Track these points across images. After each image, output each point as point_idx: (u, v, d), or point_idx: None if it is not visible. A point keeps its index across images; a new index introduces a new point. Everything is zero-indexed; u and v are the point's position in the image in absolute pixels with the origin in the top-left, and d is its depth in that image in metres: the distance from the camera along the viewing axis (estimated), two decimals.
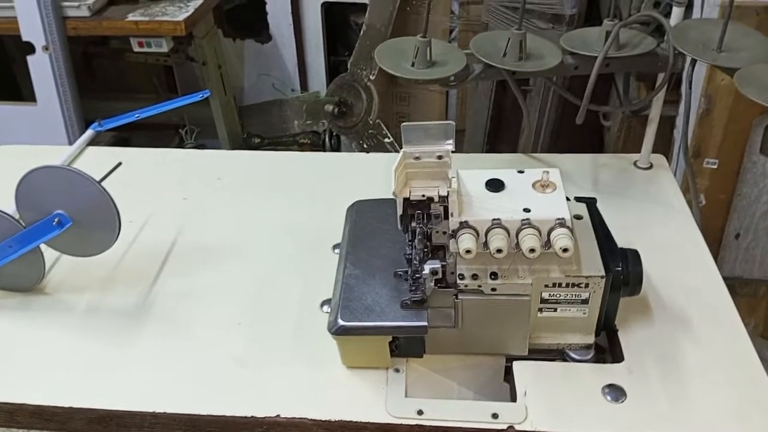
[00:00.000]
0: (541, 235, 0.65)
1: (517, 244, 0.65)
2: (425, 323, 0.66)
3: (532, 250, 0.63)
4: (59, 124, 1.76)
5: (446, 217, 0.66)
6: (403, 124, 0.61)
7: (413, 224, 0.67)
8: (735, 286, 1.56)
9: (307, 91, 2.16)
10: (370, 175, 0.96)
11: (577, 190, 0.96)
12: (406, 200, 0.65)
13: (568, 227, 0.64)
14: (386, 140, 2.04)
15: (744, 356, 0.71)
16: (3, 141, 1.82)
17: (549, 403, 0.67)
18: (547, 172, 0.69)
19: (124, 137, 2.12)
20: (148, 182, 1.03)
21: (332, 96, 2.00)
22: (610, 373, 0.70)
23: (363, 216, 0.79)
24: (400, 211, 0.66)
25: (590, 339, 0.72)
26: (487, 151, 2.00)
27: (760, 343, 1.56)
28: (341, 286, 0.70)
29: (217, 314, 0.78)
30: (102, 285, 0.83)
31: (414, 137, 0.61)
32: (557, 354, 0.73)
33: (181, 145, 2.14)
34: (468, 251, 0.64)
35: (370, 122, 2.02)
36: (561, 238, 0.63)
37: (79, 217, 0.76)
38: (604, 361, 0.74)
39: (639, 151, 1.01)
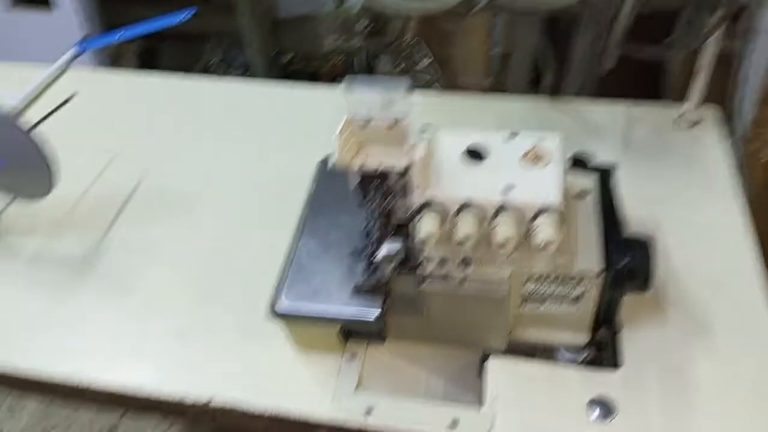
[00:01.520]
0: (524, 221, 0.53)
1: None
2: (377, 314, 0.56)
3: (505, 242, 0.51)
4: (76, 32, 1.67)
5: (408, 192, 0.54)
6: (345, 78, 0.48)
7: (369, 198, 0.55)
8: None
9: (341, 5, 1.99)
10: None
11: (604, 148, 0.81)
12: (359, 171, 0.54)
13: (556, 214, 0.52)
14: (425, 60, 1.88)
15: None
16: (14, 51, 1.76)
17: (521, 415, 0.57)
18: (543, 139, 0.55)
19: (150, 48, 2.04)
20: (129, 110, 0.94)
21: (367, 12, 1.83)
22: (601, 382, 0.59)
23: (332, 175, 0.68)
24: (355, 182, 0.55)
25: (582, 339, 0.61)
26: (533, 80, 1.81)
27: None
28: (291, 260, 0.61)
29: (166, 276, 0.71)
30: (53, 230, 0.76)
31: (360, 96, 0.49)
32: (547, 352, 0.62)
33: (211, 60, 2.04)
34: (427, 238, 0.52)
35: (407, 41, 1.86)
36: (543, 229, 0.51)
37: (13, 161, 0.68)
38: (601, 362, 0.63)
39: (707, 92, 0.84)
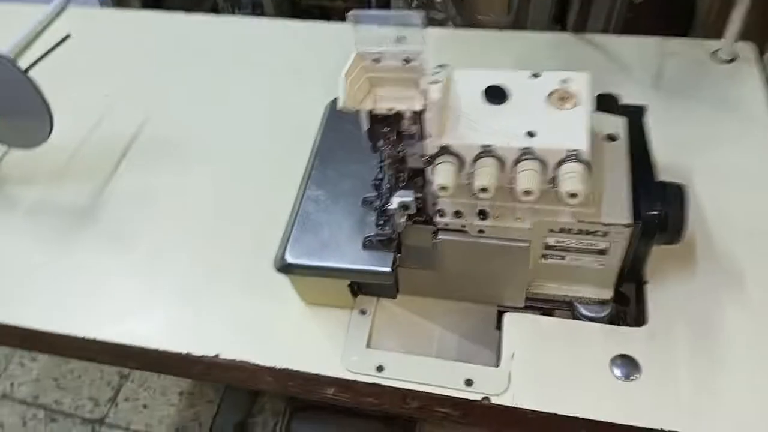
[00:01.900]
0: (547, 169, 0.49)
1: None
2: (389, 269, 0.53)
3: (527, 192, 0.47)
4: None
5: (422, 138, 0.50)
6: (351, 12, 0.44)
7: (381, 143, 0.51)
8: None
9: None
10: None
11: (633, 86, 0.76)
12: (371, 113, 0.49)
13: (583, 162, 0.48)
14: None
15: None
16: None
17: (539, 373, 0.54)
18: (566, 81, 0.50)
19: None
20: (132, 52, 0.89)
21: None
22: (625, 339, 0.56)
23: (341, 118, 0.64)
24: (365, 126, 0.51)
25: (607, 294, 0.57)
26: (556, 17, 1.72)
27: None
28: (297, 212, 0.57)
29: (170, 227, 0.68)
30: (52, 179, 0.73)
31: (369, 31, 0.44)
32: (565, 305, 0.59)
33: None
34: (444, 188, 0.48)
35: None
36: (569, 179, 0.47)
37: (7, 106, 0.64)
38: (625, 320, 0.59)
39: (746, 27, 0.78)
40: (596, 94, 0.65)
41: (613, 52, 0.81)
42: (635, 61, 0.79)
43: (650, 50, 0.81)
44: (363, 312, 0.59)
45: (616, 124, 0.57)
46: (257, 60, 0.86)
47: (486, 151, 0.49)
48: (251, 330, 0.59)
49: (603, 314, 0.58)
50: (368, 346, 0.57)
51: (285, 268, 0.54)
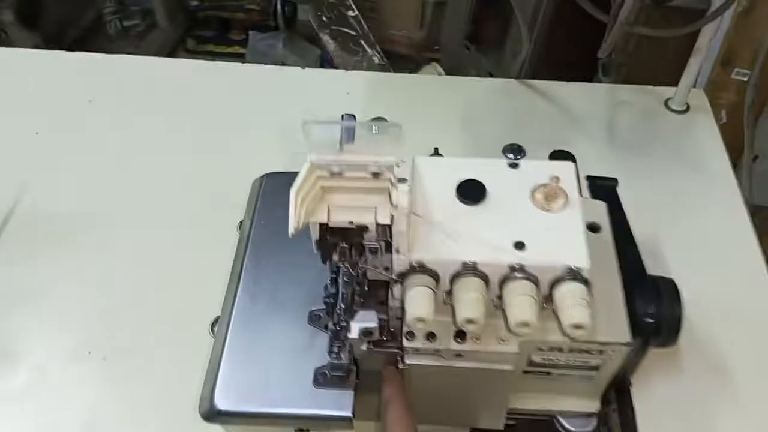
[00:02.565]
0: (539, 287, 0.40)
1: (500, 296, 0.41)
2: (349, 413, 0.42)
3: (524, 325, 0.38)
4: None
5: (388, 251, 0.40)
6: (304, 119, 0.33)
7: (336, 258, 0.41)
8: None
9: None
10: (324, 98, 0.68)
11: (586, 139, 0.70)
12: (323, 225, 0.39)
13: (584, 282, 0.39)
14: (350, 13, 1.69)
15: None
16: None
17: None
18: (557, 179, 0.42)
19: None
20: None
21: None
22: None
23: (274, 201, 0.53)
24: (315, 236, 0.40)
25: (593, 406, 0.50)
26: (470, 35, 1.66)
27: None
28: (225, 336, 0.46)
29: (57, 338, 0.54)
30: None
31: (327, 136, 0.33)
32: (545, 422, 0.51)
33: (104, 7, 1.76)
34: (421, 320, 0.39)
35: None
36: (573, 308, 0.38)
37: None
38: (607, 426, 0.52)
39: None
40: (550, 152, 0.59)
41: (560, 101, 0.75)
42: (585, 111, 0.73)
43: (599, 98, 0.75)
44: None
45: (597, 210, 0.50)
46: (157, 107, 0.73)
47: (468, 269, 0.40)
48: None
49: (589, 428, 0.50)
50: None
51: (215, 416, 0.43)
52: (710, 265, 0.60)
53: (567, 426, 0.50)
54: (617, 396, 0.52)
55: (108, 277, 0.58)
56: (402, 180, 0.39)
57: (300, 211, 0.35)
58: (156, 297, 0.57)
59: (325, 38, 1.69)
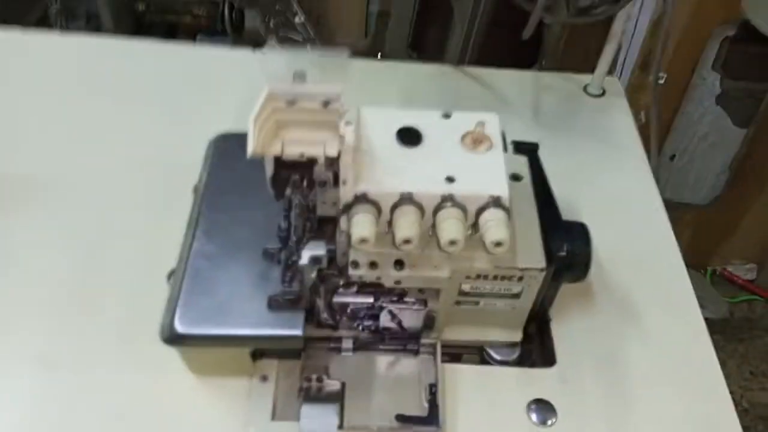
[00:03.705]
0: (467, 215, 0.46)
1: (434, 225, 0.46)
2: (299, 332, 0.47)
3: (452, 243, 0.44)
4: None
5: (336, 184, 0.46)
6: (263, 49, 0.38)
7: (288, 192, 0.46)
8: None
9: None
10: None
11: (515, 118, 0.77)
12: (277, 158, 0.44)
13: (504, 208, 0.46)
14: (297, 19, 1.75)
15: (701, 359, 0.58)
16: None
17: (459, 428, 0.51)
18: (482, 124, 0.49)
19: None
20: None
21: None
22: (538, 382, 0.55)
23: (228, 157, 0.58)
24: (269, 172, 0.45)
25: (517, 336, 0.56)
26: (412, 43, 1.75)
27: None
28: (184, 270, 0.50)
29: (20, 289, 0.57)
30: None
31: (282, 69, 0.39)
32: (473, 350, 0.57)
33: (47, 11, 1.76)
34: (364, 240, 0.44)
35: None
36: (494, 228, 0.45)
37: None
38: (530, 358, 0.59)
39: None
40: None
41: (492, 85, 0.82)
42: (514, 95, 0.81)
43: (526, 84, 0.83)
44: (264, 378, 0.52)
45: (519, 164, 0.57)
46: (105, 84, 0.76)
47: (405, 199, 0.45)
48: (132, 416, 0.50)
49: (513, 356, 0.57)
50: (273, 418, 0.50)
51: (175, 339, 0.47)
52: (620, 221, 0.67)
53: (494, 355, 0.56)
54: (538, 329, 0.59)
55: (68, 237, 0.61)
56: (348, 123, 0.45)
57: (258, 137, 0.40)
58: (115, 254, 0.60)
59: (272, 43, 1.74)
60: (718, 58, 1.26)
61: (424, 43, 1.80)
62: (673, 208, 1.57)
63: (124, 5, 1.79)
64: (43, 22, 1.78)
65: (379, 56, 1.86)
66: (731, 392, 0.56)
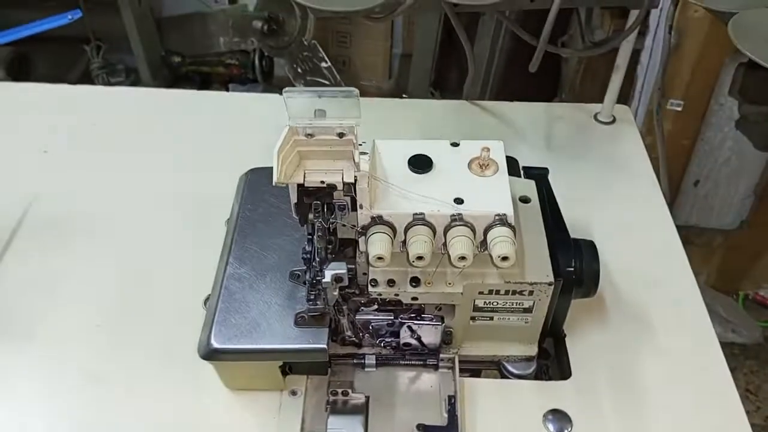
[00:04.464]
0: (475, 234, 0.50)
1: (445, 243, 0.50)
2: (324, 346, 0.51)
3: (462, 258, 0.48)
4: None
5: (354, 209, 0.50)
6: (285, 90, 0.43)
7: (311, 216, 0.50)
8: (689, 235, 1.47)
9: (235, 3, 1.90)
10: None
11: (527, 148, 0.81)
12: (300, 186, 0.49)
13: (509, 226, 0.49)
14: (323, 64, 1.83)
15: (713, 372, 0.59)
16: None
17: None
18: (488, 150, 0.53)
19: (22, 52, 1.85)
20: (4, 125, 0.83)
21: (261, 10, 1.76)
22: (554, 394, 0.57)
23: (258, 190, 0.63)
24: (294, 200, 0.50)
25: (532, 350, 0.59)
26: (434, 82, 1.81)
27: (711, 295, 1.49)
28: (219, 292, 0.54)
29: (70, 312, 0.62)
30: None
31: (302, 107, 0.44)
32: (492, 365, 0.60)
33: (88, 67, 1.88)
34: (380, 258, 0.48)
35: (305, 43, 1.80)
36: (500, 243, 0.48)
37: None
38: (547, 373, 0.61)
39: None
40: None
41: (506, 117, 0.86)
42: (527, 126, 0.85)
43: (539, 115, 0.87)
44: (294, 393, 0.56)
45: (528, 187, 0.60)
46: (150, 131, 0.83)
47: (418, 220, 0.49)
48: (171, 424, 0.54)
49: (530, 371, 0.59)
50: (302, 429, 0.54)
51: (211, 354, 0.51)
52: (632, 241, 0.70)
53: (511, 369, 0.59)
54: (554, 344, 0.62)
55: (115, 266, 0.66)
56: (363, 153, 0.49)
57: (281, 167, 0.45)
58: (155, 282, 0.65)
59: (301, 88, 1.82)
60: (734, 83, 1.29)
61: (446, 82, 1.86)
62: (700, 233, 1.57)
63: (161, 59, 1.90)
64: (85, 78, 1.90)
65: (403, 96, 1.93)
66: (766, 416, 0.57)
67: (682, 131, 1.36)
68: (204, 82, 2.03)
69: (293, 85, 1.97)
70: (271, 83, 2.00)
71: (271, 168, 0.46)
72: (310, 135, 0.45)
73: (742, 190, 1.42)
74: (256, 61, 1.88)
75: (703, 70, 1.27)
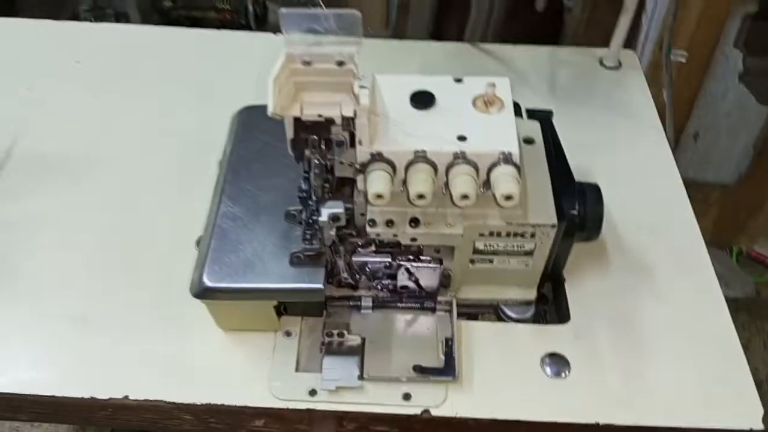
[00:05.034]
0: (478, 173, 0.48)
1: (447, 183, 0.48)
2: (321, 285, 0.50)
3: (464, 197, 0.46)
4: None
5: (353, 145, 0.48)
6: (282, 9, 0.41)
7: (308, 153, 0.48)
8: (687, 189, 1.46)
9: None
10: None
11: (531, 92, 0.79)
12: (297, 120, 0.46)
13: (514, 164, 0.48)
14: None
15: (715, 320, 0.59)
16: None
17: (475, 379, 0.53)
18: (493, 85, 0.50)
19: None
20: None
21: None
22: (552, 337, 0.57)
23: (252, 128, 0.60)
24: (290, 135, 0.48)
25: (531, 294, 0.58)
26: (434, 31, 1.76)
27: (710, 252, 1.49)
28: (212, 231, 0.53)
29: (55, 255, 0.60)
30: None
31: (300, 31, 0.41)
32: (489, 309, 0.59)
33: (76, 10, 1.81)
34: (379, 196, 0.46)
35: None
36: (504, 182, 0.46)
37: None
38: (545, 318, 0.60)
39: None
40: None
41: (509, 61, 0.84)
42: (530, 70, 0.82)
43: (542, 59, 0.84)
44: (288, 334, 0.55)
45: (532, 128, 0.58)
46: (143, 69, 0.79)
47: (419, 157, 0.47)
48: (163, 364, 0.53)
49: (528, 315, 0.58)
50: (297, 369, 0.53)
51: (203, 292, 0.50)
52: (636, 187, 0.68)
53: (509, 313, 0.58)
54: (553, 288, 0.61)
55: (103, 206, 0.64)
56: (363, 87, 0.47)
57: (277, 97, 0.43)
58: (146, 222, 0.63)
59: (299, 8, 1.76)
60: (739, 35, 1.25)
61: (445, 33, 1.82)
62: (697, 187, 1.56)
63: (151, 3, 1.84)
64: (73, 19, 1.83)
65: None
66: (755, 369, 0.57)
67: (684, 82, 1.33)
68: (195, 26, 1.97)
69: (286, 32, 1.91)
70: (264, 29, 1.95)
71: (265, 106, 0.44)
72: (308, 63, 0.42)
73: (742, 144, 1.40)
74: (249, 6, 1.83)
75: (709, 19, 1.23)
